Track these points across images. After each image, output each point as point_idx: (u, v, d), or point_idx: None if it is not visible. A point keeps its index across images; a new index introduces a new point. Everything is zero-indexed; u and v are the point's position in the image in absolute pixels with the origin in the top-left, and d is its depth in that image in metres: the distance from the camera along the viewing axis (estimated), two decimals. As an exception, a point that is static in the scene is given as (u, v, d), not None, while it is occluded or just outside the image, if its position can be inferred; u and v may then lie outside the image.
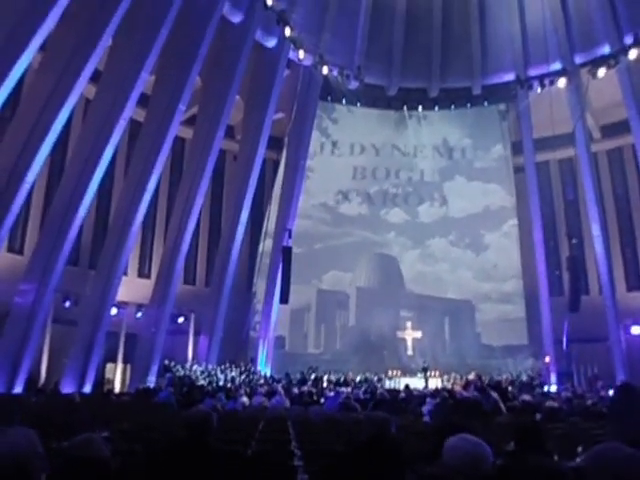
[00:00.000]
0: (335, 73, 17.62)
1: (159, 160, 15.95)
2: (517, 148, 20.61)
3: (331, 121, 21.29)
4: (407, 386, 13.58)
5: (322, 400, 11.81)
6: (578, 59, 19.14)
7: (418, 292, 20.25)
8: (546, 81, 18.95)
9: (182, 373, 16.21)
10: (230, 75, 16.80)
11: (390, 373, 17.68)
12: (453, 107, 21.18)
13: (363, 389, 14.55)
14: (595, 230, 18.65)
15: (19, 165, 13.04)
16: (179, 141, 18.94)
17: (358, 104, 20.80)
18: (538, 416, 6.69)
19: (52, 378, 15.17)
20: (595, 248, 18.63)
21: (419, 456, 2.76)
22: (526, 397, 9.12)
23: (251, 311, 19.08)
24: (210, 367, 16.71)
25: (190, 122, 18.23)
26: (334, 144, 21.23)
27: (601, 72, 17.86)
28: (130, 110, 15.13)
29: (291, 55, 17.99)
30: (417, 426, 6.46)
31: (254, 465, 3.06)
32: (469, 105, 21.12)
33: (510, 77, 19.77)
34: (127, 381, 17.08)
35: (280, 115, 19.44)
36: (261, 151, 18.14)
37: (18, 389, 13.08)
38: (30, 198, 15.56)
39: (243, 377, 16.59)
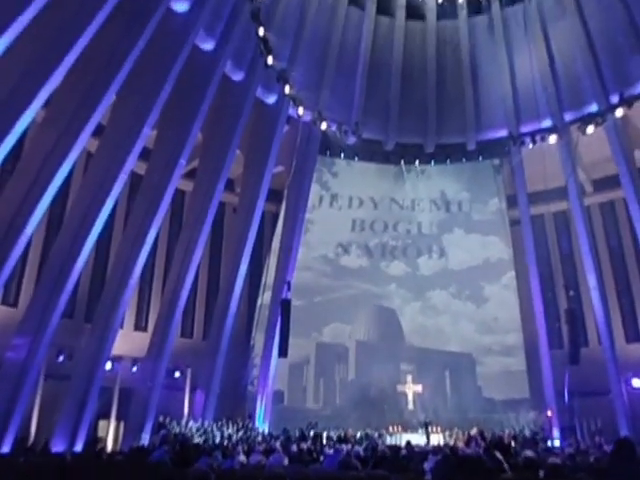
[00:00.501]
0: (334, 128, 18.13)
1: (159, 213, 16.05)
2: (512, 201, 20.98)
3: (331, 175, 21.72)
4: (408, 442, 13.19)
5: (322, 458, 11.44)
6: (567, 117, 19.76)
7: (418, 345, 20.05)
8: (537, 137, 19.42)
9: (177, 430, 15.70)
10: (231, 130, 17.21)
11: (391, 429, 17.30)
12: (449, 162, 21.74)
13: (364, 446, 14.12)
14: (591, 282, 18.77)
15: (18, 217, 13.01)
16: (179, 194, 19.11)
17: (356, 158, 21.34)
18: (541, 473, 6.52)
19: (42, 436, 14.58)
20: (592, 300, 18.73)
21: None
22: (529, 453, 8.88)
23: (249, 365, 18.75)
24: (206, 424, 16.22)
25: (190, 175, 18.48)
26: (333, 197, 21.57)
27: (590, 129, 18.33)
28: (131, 164, 15.33)
29: (291, 111, 18.51)
30: (419, 485, 6.23)
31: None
32: (464, 160, 21.69)
33: (503, 133, 20.36)
34: (120, 438, 16.48)
35: (280, 168, 19.80)
36: (260, 204, 18.35)
37: (6, 448, 12.57)
38: (28, 250, 15.50)
39: (240, 434, 16.10)
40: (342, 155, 21.18)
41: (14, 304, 15.84)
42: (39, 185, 13.38)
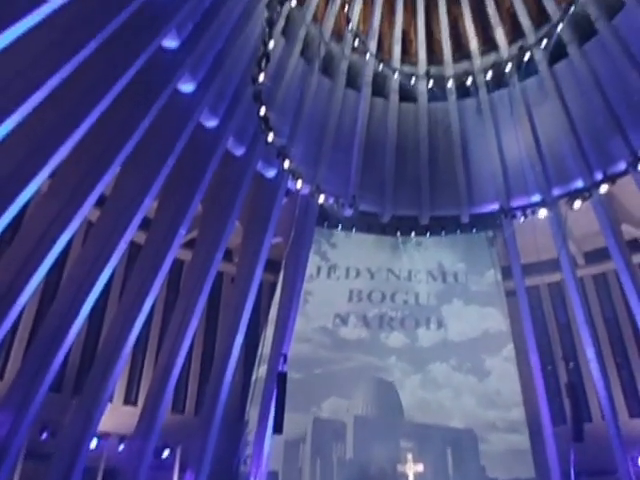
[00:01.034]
0: (331, 201, 18.59)
1: (156, 282, 16.01)
2: (507, 273, 21.24)
3: (330, 246, 22.03)
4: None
5: None
6: (555, 192, 20.46)
7: (419, 420, 19.38)
8: (528, 211, 19.83)
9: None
10: (231, 202, 17.60)
11: (392, 513, 16.38)
12: (444, 233, 22.19)
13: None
14: (590, 354, 18.66)
15: (13, 287, 12.89)
16: (177, 263, 19.16)
17: (353, 230, 21.83)
18: None
19: (20, 522, 13.65)
20: (592, 373, 18.53)
21: None
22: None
23: (242, 443, 17.94)
24: (196, 508, 15.28)
25: (189, 245, 18.67)
26: (331, 268, 21.75)
27: (577, 204, 18.71)
28: (132, 233, 15.46)
29: (289, 185, 19.06)
30: None
31: None
32: (459, 232, 22.19)
33: (495, 207, 21.02)
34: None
35: (278, 239, 20.10)
36: (259, 273, 18.41)
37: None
38: (19, 320, 15.22)
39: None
40: (339, 227, 21.66)
41: (0, 377, 15.33)
42: (37, 255, 13.35)
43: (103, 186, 14.21)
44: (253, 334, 19.74)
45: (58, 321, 14.19)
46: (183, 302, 17.43)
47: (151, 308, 16.60)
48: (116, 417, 16.52)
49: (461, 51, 22.62)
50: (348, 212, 20.28)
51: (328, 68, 21.54)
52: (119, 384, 17.50)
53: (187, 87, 15.76)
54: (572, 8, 19.07)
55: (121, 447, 16.40)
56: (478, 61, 22.20)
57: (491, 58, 22.02)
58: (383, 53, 22.51)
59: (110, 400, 16.20)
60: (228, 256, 20.36)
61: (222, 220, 17.68)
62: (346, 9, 20.77)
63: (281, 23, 18.39)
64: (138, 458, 15.35)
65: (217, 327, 20.71)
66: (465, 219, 22.03)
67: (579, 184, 19.79)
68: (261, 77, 14.80)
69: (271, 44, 14.51)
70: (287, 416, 15.69)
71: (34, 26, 10.56)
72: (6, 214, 11.81)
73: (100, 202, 15.26)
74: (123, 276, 18.25)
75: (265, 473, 17.79)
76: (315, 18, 20.69)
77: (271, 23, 14.51)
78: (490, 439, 19.03)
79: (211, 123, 17.00)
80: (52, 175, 13.78)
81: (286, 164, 16.76)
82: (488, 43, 22.20)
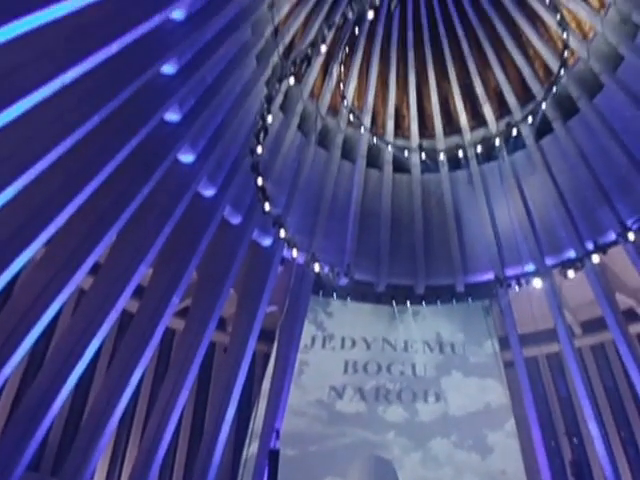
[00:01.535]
0: (326, 270, 18.59)
1: (147, 352, 15.55)
2: (505, 343, 20.97)
3: (326, 315, 21.72)
4: None
5: None
6: (548, 261, 20.66)
7: (419, 502, 18.35)
8: (522, 281, 19.90)
9: None
10: (226, 270, 17.51)
11: None
12: (439, 303, 22.10)
13: None
14: (593, 429, 18.02)
15: (-2, 358, 12.47)
16: (169, 332, 18.76)
17: (349, 299, 21.65)
18: None
19: None
20: (597, 450, 17.86)
21: None
22: None
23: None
24: None
25: (182, 313, 18.34)
26: (326, 338, 21.31)
27: (571, 274, 18.85)
28: (124, 302, 15.20)
29: (285, 253, 19.08)
30: None
31: None
32: (454, 301, 22.12)
33: (490, 276, 21.10)
34: None
35: (272, 308, 19.87)
36: (252, 343, 18.00)
37: None
38: (1, 392, 14.61)
39: None
40: (335, 296, 21.48)
41: (-24, 455, 14.45)
42: (25, 324, 12.96)
43: (98, 254, 14.10)
44: (245, 408, 19.03)
45: (42, 393, 13.59)
46: (173, 373, 16.87)
47: (139, 380, 16.03)
48: (97, 499, 15.54)
49: (452, 126, 23.62)
50: (343, 281, 20.25)
51: (324, 141, 22.33)
52: (101, 463, 16.57)
53: (187, 158, 16.09)
54: (554, 88, 20.19)
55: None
56: (468, 135, 23.15)
57: (480, 133, 22.99)
58: (377, 127, 23.48)
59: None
60: (221, 325, 20.00)
61: (217, 288, 17.51)
62: (342, 86, 21.80)
63: (279, 98, 19.13)
64: None
65: (207, 401, 19.95)
66: (460, 288, 22.07)
67: (571, 254, 20.01)
68: (259, 149, 15.21)
69: (269, 118, 15.01)
70: (280, 498, 14.85)
71: (42, 100, 10.84)
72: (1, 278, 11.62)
73: (94, 270, 15.10)
74: (112, 346, 17.75)
75: None
76: (312, 94, 21.67)
77: (270, 99, 15.09)
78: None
79: (209, 192, 17.23)
80: (47, 243, 13.74)
81: (282, 233, 16.88)
82: (477, 118, 23.23)
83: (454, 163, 22.96)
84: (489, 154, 22.36)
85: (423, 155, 22.39)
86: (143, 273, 15.48)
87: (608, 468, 17.42)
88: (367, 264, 21.83)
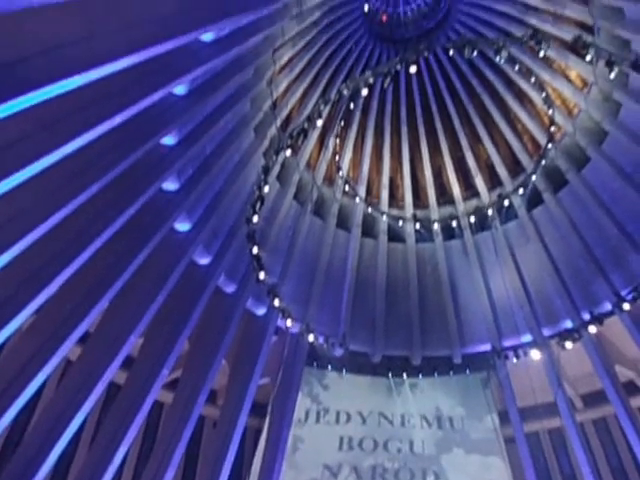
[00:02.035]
0: (321, 341, 18.26)
1: (133, 426, 14.87)
2: (505, 417, 20.32)
3: (322, 387, 21.08)
4: None
5: None
6: (545, 332, 20.46)
7: None
8: (520, 352, 19.62)
9: None
10: (218, 340, 17.13)
11: None
12: (436, 375, 21.60)
13: None
14: (601, 512, 17.26)
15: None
16: (157, 405, 18.07)
17: (344, 371, 21.11)
18: None
19: None
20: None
21: None
22: None
23: None
24: None
25: (171, 385, 17.75)
26: (321, 412, 20.56)
27: (568, 345, 18.62)
28: (112, 373, 14.71)
29: (279, 323, 18.80)
30: None
31: None
32: (452, 373, 21.63)
33: (487, 347, 20.77)
34: None
35: (265, 380, 19.30)
36: (243, 418, 17.29)
37: None
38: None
39: None
40: (330, 367, 20.97)
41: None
42: (8, 395, 12.48)
43: (88, 324, 13.80)
44: (235, 487, 18.04)
45: (21, 469, 12.87)
46: (160, 450, 16.07)
47: (124, 457, 15.23)
48: None
49: (445, 196, 24.12)
50: (338, 352, 19.85)
51: (320, 210, 22.67)
52: None
53: (183, 226, 16.15)
54: (543, 161, 20.84)
55: None
56: (461, 206, 23.59)
57: (473, 203, 23.45)
58: (372, 197, 23.93)
59: None
60: (212, 398, 19.33)
61: (208, 358, 17.05)
62: (337, 157, 22.39)
63: (276, 169, 19.54)
64: None
65: (195, 479, 18.91)
66: (457, 360, 21.68)
67: (568, 324, 19.83)
68: (255, 218, 15.31)
69: (266, 189, 15.23)
70: None
71: (42, 170, 10.97)
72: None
73: (82, 339, 14.73)
74: (97, 419, 17.03)
75: None
76: (308, 165, 22.22)
77: (267, 170, 15.37)
78: None
79: (204, 260, 17.18)
80: (37, 311, 13.46)
81: (276, 302, 16.68)
82: (470, 189, 23.77)
83: (448, 233, 23.28)
84: (482, 224, 22.70)
85: (417, 225, 22.67)
86: (133, 343, 15.12)
87: None
88: (362, 334, 21.53)
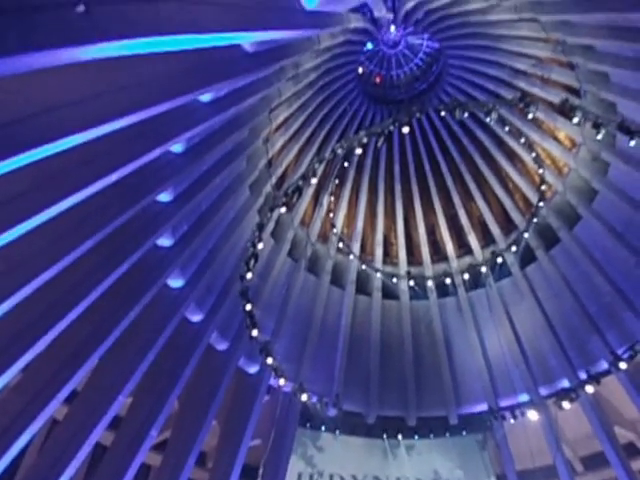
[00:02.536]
0: (314, 400, 17.81)
1: (119, 491, 14.27)
2: (506, 481, 19.65)
3: (316, 449, 20.36)
4: None
5: None
6: (542, 391, 20.09)
7: None
8: (517, 412, 19.21)
9: None
10: (209, 400, 16.67)
11: None
12: (432, 436, 20.99)
13: None
14: None
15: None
16: (144, 468, 17.36)
17: (337, 432, 20.43)
18: None
19: None
20: None
21: None
22: None
23: None
24: None
25: (159, 447, 17.11)
26: (313, 475, 19.76)
27: (566, 405, 18.26)
28: (98, 434, 14.23)
29: (271, 381, 18.39)
30: None
31: None
32: (448, 434, 21.03)
33: (483, 407, 20.35)
34: None
35: (256, 442, 18.64)
36: (233, 482, 16.65)
37: None
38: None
39: None
40: (323, 428, 20.32)
41: None
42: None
43: (76, 382, 13.46)
44: None
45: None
46: (145, 517, 15.35)
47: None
48: None
49: (439, 253, 24.27)
50: (332, 412, 19.33)
51: (314, 267, 22.70)
52: None
53: (176, 282, 16.06)
54: (535, 219, 21.12)
55: None
56: (455, 263, 23.69)
57: (467, 260, 23.57)
58: (366, 254, 24.05)
59: None
60: (202, 460, 18.60)
61: (198, 419, 16.54)
62: (331, 215, 22.63)
63: (271, 225, 19.67)
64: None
65: None
66: (453, 420, 21.16)
67: (565, 383, 19.51)
68: (249, 275, 15.27)
69: (260, 245, 15.28)
70: None
71: (36, 227, 10.98)
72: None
73: (69, 398, 14.31)
74: (81, 483, 16.32)
75: None
76: (303, 222, 22.40)
77: (261, 226, 15.49)
78: None
79: (196, 317, 16.98)
80: (24, 368, 13.14)
81: (269, 360, 16.36)
82: (463, 247, 23.95)
83: (442, 290, 23.27)
84: (476, 281, 22.75)
85: (411, 282, 22.69)
86: (121, 403, 14.69)
87: None
88: (356, 394, 21.05)
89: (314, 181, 15.93)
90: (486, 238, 23.62)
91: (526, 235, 21.45)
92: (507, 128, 19.99)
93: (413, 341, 22.56)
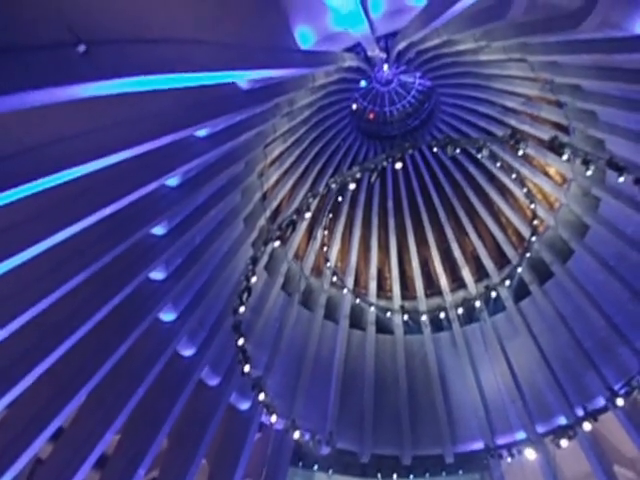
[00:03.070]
0: (307, 438, 17.41)
1: (103, 536, 13.75)
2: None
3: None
4: None
5: None
6: (539, 429, 19.78)
7: None
8: (514, 450, 18.82)
9: None
10: (199, 437, 16.27)
11: None
12: (428, 475, 20.49)
13: None
14: None
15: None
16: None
17: (330, 471, 19.93)
18: None
19: None
20: None
21: None
22: None
23: None
24: None
25: (147, 488, 16.58)
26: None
27: (564, 443, 17.96)
28: (84, 474, 13.79)
29: (263, 418, 17.99)
30: None
31: None
32: (444, 474, 20.56)
33: (480, 445, 19.93)
34: None
35: (247, 481, 18.16)
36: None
37: None
38: None
39: None
40: (316, 467, 19.82)
41: None
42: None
43: (62, 419, 13.12)
44: None
45: None
46: None
47: None
48: None
49: (432, 287, 24.24)
50: (325, 450, 18.90)
51: (307, 301, 22.59)
52: None
53: (168, 316, 15.90)
54: (528, 254, 21.22)
55: None
56: (449, 297, 23.64)
57: (461, 294, 23.52)
58: (360, 288, 23.98)
59: None
60: (190, 501, 17.98)
61: (188, 457, 16.09)
62: (325, 249, 22.65)
63: (265, 259, 19.62)
64: None
65: None
66: (449, 459, 20.72)
67: (562, 420, 19.23)
68: (242, 309, 15.12)
69: (253, 279, 15.20)
70: None
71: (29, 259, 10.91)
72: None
73: (55, 436, 13.91)
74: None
75: None
76: (297, 255, 22.38)
77: (255, 260, 15.44)
78: None
79: (188, 352, 16.73)
80: (9, 405, 12.81)
81: (261, 396, 16.04)
82: (457, 281, 23.94)
83: (437, 324, 23.16)
84: (470, 316, 22.68)
85: (405, 316, 22.58)
86: (108, 440, 14.29)
87: None
88: (350, 431, 20.63)
89: (308, 215, 15.97)
90: (480, 272, 23.66)
91: (519, 269, 21.50)
92: (499, 164, 20.29)
93: (407, 376, 22.25)
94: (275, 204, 20.56)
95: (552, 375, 20.00)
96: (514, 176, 20.40)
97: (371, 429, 21.06)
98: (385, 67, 19.25)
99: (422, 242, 24.36)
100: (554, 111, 18.99)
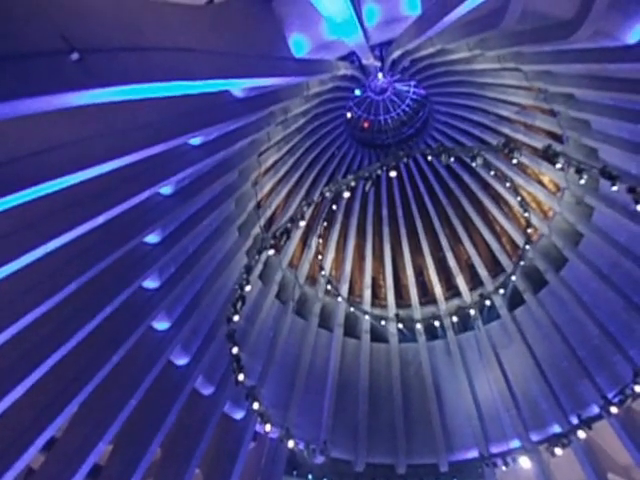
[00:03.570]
0: (301, 446, 17.32)
1: None
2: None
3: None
4: None
5: None
6: (534, 437, 19.78)
7: None
8: (509, 459, 18.82)
9: None
10: (193, 447, 16.13)
11: None
12: (423, 485, 20.46)
13: None
14: None
15: None
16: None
17: (325, 480, 19.86)
18: None
19: None
20: None
21: None
22: None
23: None
24: None
25: (139, 499, 16.37)
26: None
27: (558, 451, 17.99)
28: (76, 484, 13.64)
29: (257, 427, 17.89)
30: None
31: None
32: (439, 482, 20.50)
33: (474, 454, 19.93)
34: None
35: (241, 491, 17.98)
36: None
37: None
38: None
39: None
40: (310, 476, 19.69)
41: None
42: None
43: (54, 429, 12.99)
44: None
45: None
46: None
47: None
48: None
49: (427, 296, 24.26)
50: (319, 459, 18.79)
51: (302, 309, 22.54)
52: None
53: (161, 325, 15.79)
54: (522, 262, 21.28)
55: None
56: (443, 305, 23.67)
57: (455, 303, 23.55)
58: (354, 296, 23.97)
59: None
60: (183, 512, 17.81)
61: (181, 467, 15.95)
62: (320, 257, 22.62)
63: (259, 267, 19.58)
64: None
65: None
66: (444, 468, 20.66)
67: (556, 428, 19.26)
68: (236, 318, 15.06)
69: (248, 288, 15.15)
70: None
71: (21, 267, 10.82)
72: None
73: (47, 446, 13.76)
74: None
75: None
76: (291, 264, 22.35)
77: (249, 268, 15.40)
78: None
79: (181, 361, 16.61)
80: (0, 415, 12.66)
81: (255, 405, 15.96)
82: (451, 289, 23.97)
83: (431, 333, 23.17)
84: (465, 324, 22.71)
85: (400, 324, 22.57)
86: (101, 451, 14.15)
87: None
88: (345, 440, 20.54)
89: (302, 224, 15.98)
90: (474, 280, 23.71)
91: (514, 278, 21.55)
92: (493, 172, 20.38)
93: (402, 385, 22.21)
94: (269, 212, 20.55)
95: (546, 383, 20.03)
96: (508, 185, 20.49)
97: (365, 438, 20.96)
98: (380, 76, 19.34)
99: (417, 250, 24.40)
100: (548, 120, 19.12)
